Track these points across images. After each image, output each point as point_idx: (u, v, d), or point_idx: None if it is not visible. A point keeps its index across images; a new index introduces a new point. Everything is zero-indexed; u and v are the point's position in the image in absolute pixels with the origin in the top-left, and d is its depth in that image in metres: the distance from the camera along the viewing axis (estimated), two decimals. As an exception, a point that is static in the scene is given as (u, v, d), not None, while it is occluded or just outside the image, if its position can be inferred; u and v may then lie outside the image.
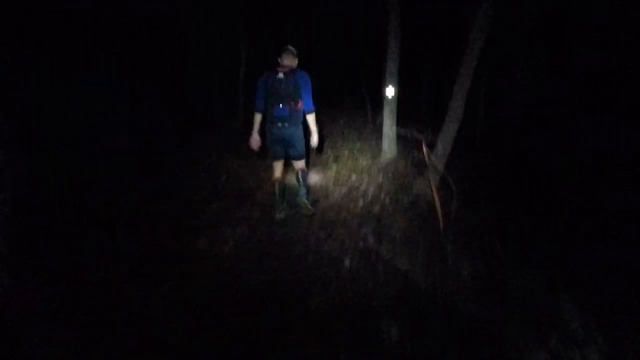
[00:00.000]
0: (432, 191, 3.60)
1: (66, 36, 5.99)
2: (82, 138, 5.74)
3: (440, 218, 3.25)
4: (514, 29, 4.60)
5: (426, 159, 3.75)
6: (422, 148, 3.80)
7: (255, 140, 3.26)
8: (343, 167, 4.92)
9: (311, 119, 3.17)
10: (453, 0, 7.05)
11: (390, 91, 4.61)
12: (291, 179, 4.37)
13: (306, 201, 3.54)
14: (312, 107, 3.14)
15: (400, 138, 5.15)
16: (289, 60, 3.09)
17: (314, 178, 4.50)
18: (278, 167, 3.36)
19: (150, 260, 2.92)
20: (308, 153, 4.11)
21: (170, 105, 7.46)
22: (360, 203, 3.83)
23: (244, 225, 3.38)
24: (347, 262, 2.82)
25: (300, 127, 3.24)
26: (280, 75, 3.03)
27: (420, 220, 3.45)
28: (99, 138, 5.84)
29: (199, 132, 7.19)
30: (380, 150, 5.05)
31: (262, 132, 3.31)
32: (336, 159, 5.23)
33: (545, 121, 6.14)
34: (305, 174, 3.53)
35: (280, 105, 3.04)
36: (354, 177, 4.50)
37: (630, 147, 5.04)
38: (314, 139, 3.27)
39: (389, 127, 4.76)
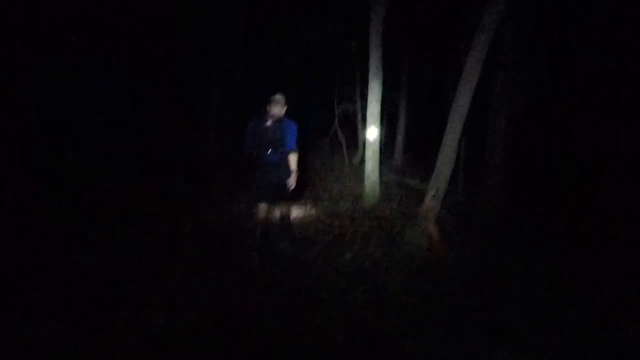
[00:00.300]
0: (426, 242, 3.38)
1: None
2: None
3: (441, 273, 2.97)
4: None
5: (429, 215, 3.50)
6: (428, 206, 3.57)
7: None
8: (323, 212, 4.44)
9: (293, 158, 3.23)
10: (437, 46, 7.08)
11: (372, 133, 4.43)
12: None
13: (289, 245, 3.53)
14: (294, 146, 3.22)
15: (383, 182, 4.81)
16: (278, 109, 3.23)
17: (293, 224, 3.96)
18: (263, 210, 3.35)
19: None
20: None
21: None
22: (348, 256, 3.29)
23: (208, 302, 2.54)
24: (339, 341, 2.18)
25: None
26: (268, 123, 3.18)
27: (420, 279, 2.92)
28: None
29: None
30: (360, 194, 4.68)
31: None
32: (315, 204, 4.79)
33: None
34: (292, 219, 3.67)
35: (270, 150, 3.20)
36: (336, 224, 4.03)
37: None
38: (292, 179, 3.24)
39: (371, 170, 4.48)
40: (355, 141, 7.66)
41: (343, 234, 3.78)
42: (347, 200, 4.77)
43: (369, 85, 4.42)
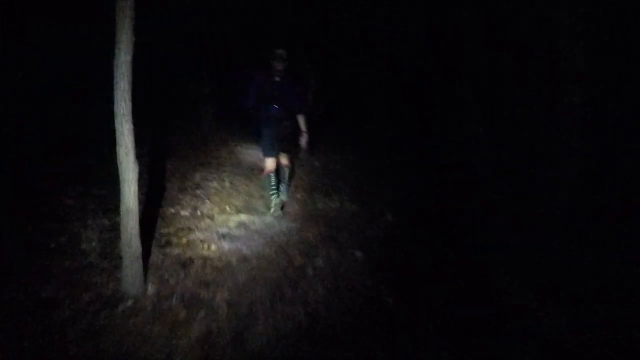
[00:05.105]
0: None
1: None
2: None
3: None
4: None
5: None
6: None
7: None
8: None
9: (302, 119, 3.40)
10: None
11: None
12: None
13: (283, 198, 3.60)
14: (304, 108, 3.43)
15: None
16: (282, 65, 3.27)
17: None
18: (272, 162, 3.47)
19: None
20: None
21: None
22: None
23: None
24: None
25: (293, 124, 3.45)
26: (276, 79, 3.28)
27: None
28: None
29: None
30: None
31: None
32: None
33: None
34: (288, 170, 3.73)
35: (277, 106, 3.30)
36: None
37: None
38: (304, 139, 3.43)
39: None
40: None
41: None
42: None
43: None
